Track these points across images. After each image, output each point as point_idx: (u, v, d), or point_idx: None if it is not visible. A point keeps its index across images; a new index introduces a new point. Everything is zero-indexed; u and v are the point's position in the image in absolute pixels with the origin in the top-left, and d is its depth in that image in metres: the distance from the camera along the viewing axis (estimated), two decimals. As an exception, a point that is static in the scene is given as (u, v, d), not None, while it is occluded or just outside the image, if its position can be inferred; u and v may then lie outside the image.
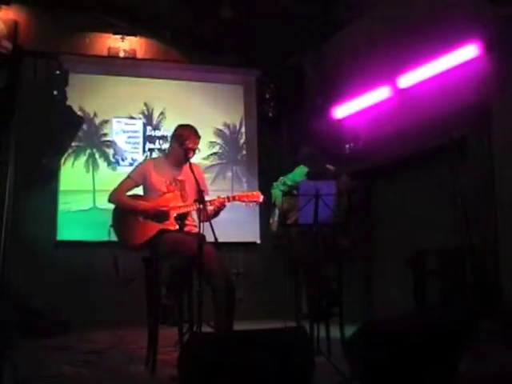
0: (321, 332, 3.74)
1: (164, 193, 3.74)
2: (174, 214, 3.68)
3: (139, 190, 3.88)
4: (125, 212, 3.72)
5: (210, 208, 3.59)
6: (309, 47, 7.07)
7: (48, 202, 6.48)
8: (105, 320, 5.66)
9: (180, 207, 3.70)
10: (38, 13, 6.76)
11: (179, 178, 3.81)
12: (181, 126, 3.88)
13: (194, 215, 3.72)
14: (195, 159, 3.98)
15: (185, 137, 3.75)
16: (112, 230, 3.75)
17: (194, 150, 3.81)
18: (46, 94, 6.30)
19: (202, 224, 3.33)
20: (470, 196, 4.34)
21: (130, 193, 3.84)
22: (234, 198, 3.71)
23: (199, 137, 3.85)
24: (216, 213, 3.68)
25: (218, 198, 3.68)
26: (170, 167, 3.85)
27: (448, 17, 4.94)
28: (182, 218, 3.70)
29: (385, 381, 2.45)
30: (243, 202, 3.73)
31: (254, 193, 3.77)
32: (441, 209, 5.10)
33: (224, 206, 3.68)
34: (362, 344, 2.50)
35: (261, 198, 3.76)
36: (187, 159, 3.73)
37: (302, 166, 4.56)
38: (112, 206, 3.84)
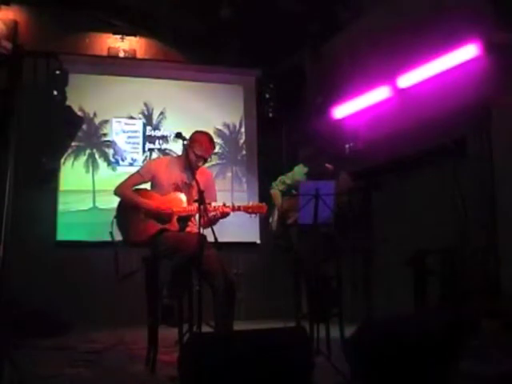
0: (321, 332, 3.75)
1: (169, 192, 3.72)
2: (176, 216, 3.65)
3: (147, 186, 3.86)
4: (128, 207, 3.70)
5: (211, 214, 3.52)
6: (309, 47, 7.07)
7: (48, 202, 6.48)
8: (105, 320, 5.67)
9: (183, 210, 3.67)
10: (37, 13, 6.76)
11: (188, 182, 3.78)
12: (198, 132, 3.84)
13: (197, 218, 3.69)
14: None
15: (199, 143, 3.73)
16: (115, 222, 3.71)
17: (205, 159, 3.81)
18: (46, 94, 6.30)
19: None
20: (469, 196, 4.34)
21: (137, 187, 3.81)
22: (239, 208, 3.67)
23: (214, 146, 3.85)
24: (216, 220, 3.59)
25: (224, 205, 3.63)
26: (181, 170, 3.81)
27: (448, 17, 4.94)
28: (184, 221, 3.69)
29: (385, 381, 2.45)
30: (247, 212, 3.68)
31: (260, 204, 3.71)
32: (441, 209, 5.09)
33: (227, 215, 3.63)
34: (362, 344, 2.50)
35: (265, 210, 3.71)
36: (198, 166, 3.74)
37: (301, 165, 4.57)
38: (113, 205, 3.82)
